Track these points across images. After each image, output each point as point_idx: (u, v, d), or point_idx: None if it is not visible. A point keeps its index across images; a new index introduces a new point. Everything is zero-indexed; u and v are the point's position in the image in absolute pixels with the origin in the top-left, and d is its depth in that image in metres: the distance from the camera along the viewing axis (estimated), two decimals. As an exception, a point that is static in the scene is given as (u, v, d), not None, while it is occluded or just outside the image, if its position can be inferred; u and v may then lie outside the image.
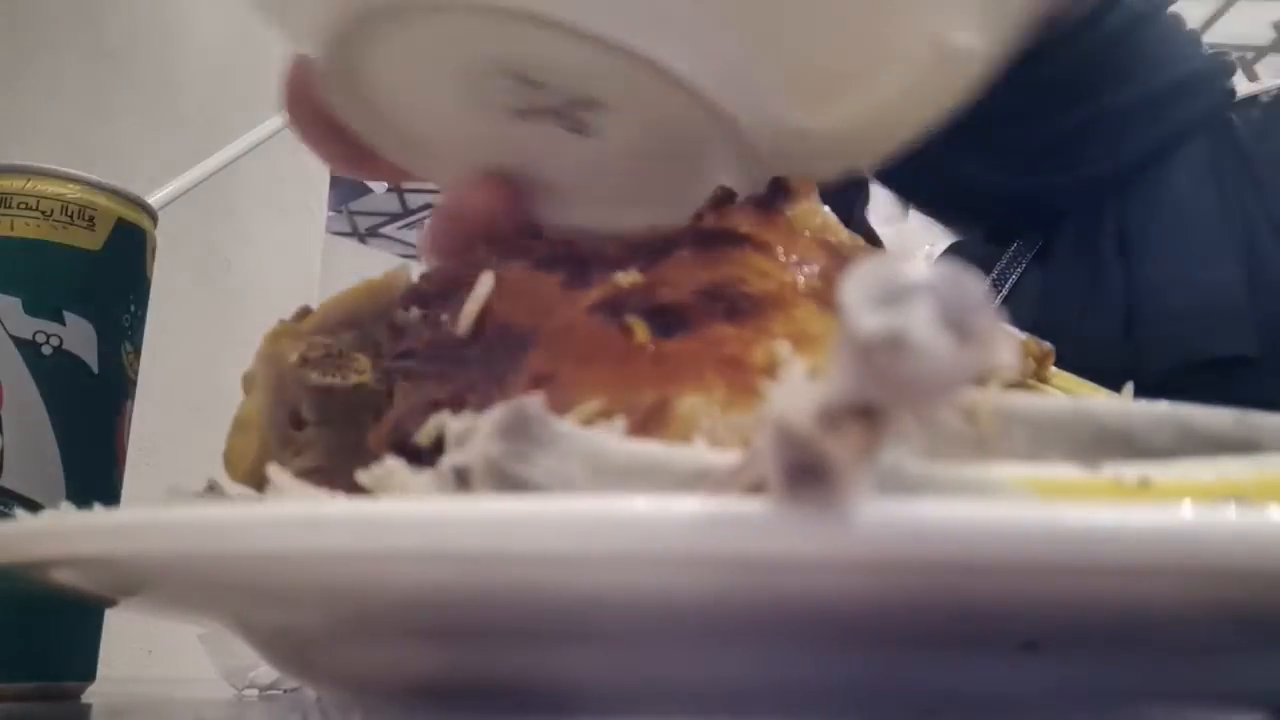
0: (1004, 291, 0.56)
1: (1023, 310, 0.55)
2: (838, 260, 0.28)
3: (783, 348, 0.24)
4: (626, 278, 0.26)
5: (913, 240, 0.62)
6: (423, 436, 0.23)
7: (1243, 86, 0.61)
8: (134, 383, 0.42)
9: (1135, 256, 0.53)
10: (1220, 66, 0.60)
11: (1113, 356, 0.49)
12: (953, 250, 0.59)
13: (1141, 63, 0.58)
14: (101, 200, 0.41)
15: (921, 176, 0.62)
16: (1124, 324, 0.52)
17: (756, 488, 0.15)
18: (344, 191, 5.03)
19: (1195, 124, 0.57)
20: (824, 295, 0.26)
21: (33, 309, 0.38)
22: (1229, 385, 0.51)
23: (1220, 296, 0.51)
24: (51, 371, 0.38)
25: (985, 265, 0.57)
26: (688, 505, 0.15)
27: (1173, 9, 0.62)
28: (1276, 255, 0.52)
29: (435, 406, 0.24)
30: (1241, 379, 0.51)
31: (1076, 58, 0.57)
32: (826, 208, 0.30)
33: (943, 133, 0.63)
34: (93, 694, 0.40)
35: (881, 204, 0.64)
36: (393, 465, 0.20)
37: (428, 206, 6.37)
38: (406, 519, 0.16)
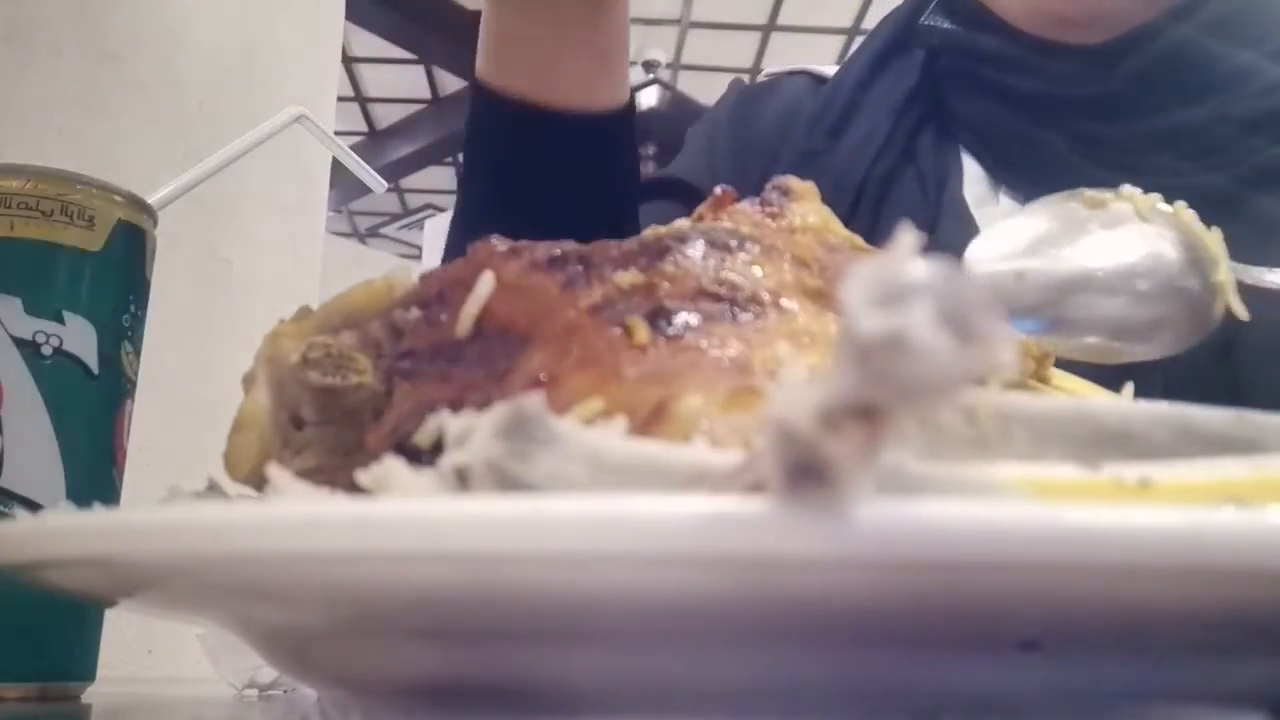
0: None
1: None
2: (837, 260, 0.28)
3: (783, 348, 0.24)
4: (626, 278, 0.26)
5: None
6: (423, 436, 0.23)
7: None
8: (134, 383, 0.42)
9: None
10: None
11: (1205, 377, 0.47)
12: None
13: (1254, 77, 0.56)
14: (101, 200, 0.41)
15: (1024, 161, 0.61)
16: (1221, 347, 0.50)
17: (756, 488, 0.15)
18: (344, 191, 5.03)
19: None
20: (824, 295, 0.26)
21: (33, 309, 0.38)
22: None
23: None
24: (51, 371, 0.38)
25: None
26: (688, 505, 0.15)
27: None
28: None
29: (435, 406, 0.24)
30: None
31: (1163, 52, 0.56)
32: (828, 209, 0.30)
33: (1050, 119, 0.61)
34: (93, 694, 0.40)
35: (975, 181, 0.62)
36: (393, 465, 0.20)
37: (428, 207, 6.38)
38: (406, 519, 0.16)
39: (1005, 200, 0.62)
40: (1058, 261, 0.40)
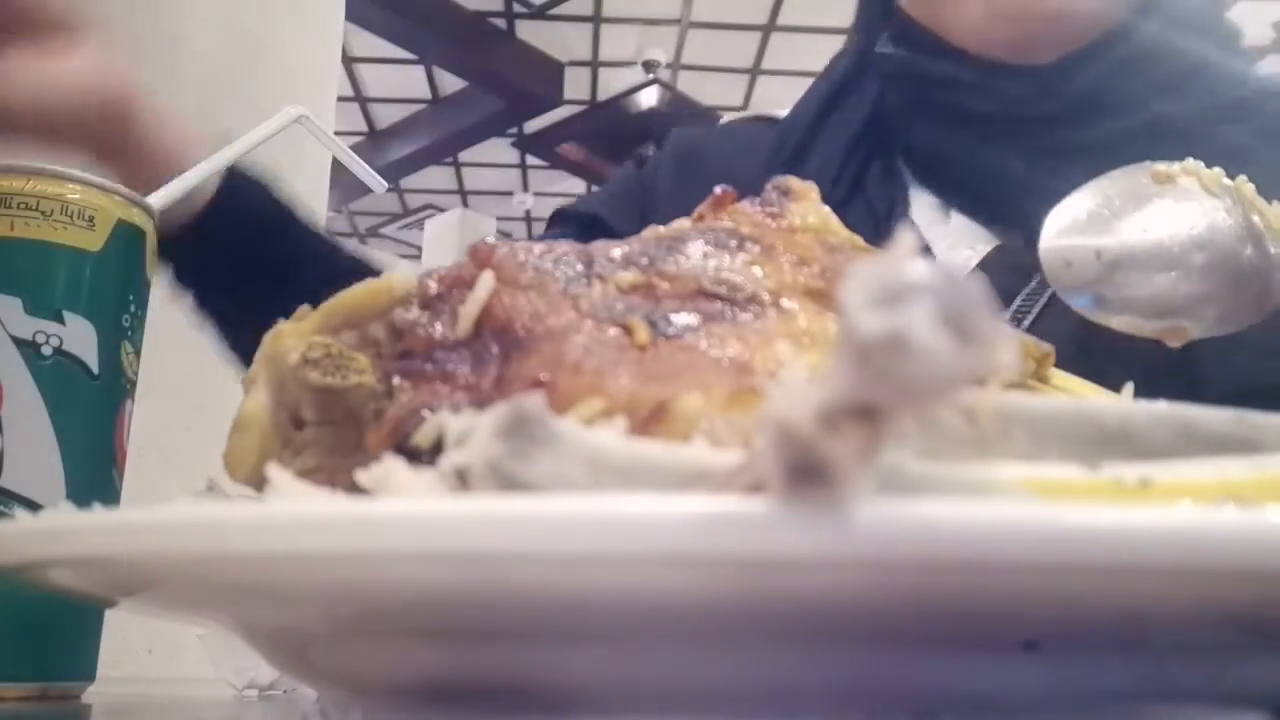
0: (1044, 300, 0.56)
1: (1068, 316, 0.54)
2: (837, 260, 0.28)
3: (783, 348, 0.24)
4: (626, 278, 0.26)
5: (956, 241, 0.62)
6: (423, 436, 0.23)
7: None
8: (134, 383, 0.42)
9: None
10: (1277, 88, 0.60)
11: (1165, 371, 0.48)
12: (996, 253, 0.59)
13: (1196, 76, 0.58)
14: (101, 200, 0.41)
15: (967, 178, 0.62)
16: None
17: (756, 488, 0.15)
18: (344, 191, 5.04)
19: (1254, 144, 0.56)
20: (824, 295, 0.26)
21: (33, 309, 0.38)
22: None
23: None
24: (51, 371, 0.38)
25: (1029, 269, 0.57)
26: (688, 505, 0.15)
27: (1232, 27, 0.62)
28: None
29: (435, 406, 0.24)
30: None
31: (1115, 63, 0.58)
32: (827, 208, 0.30)
33: (990, 134, 0.64)
34: (93, 694, 0.40)
35: (924, 206, 0.64)
36: (393, 465, 0.20)
37: (428, 207, 6.38)
38: (406, 519, 0.16)
39: (956, 218, 0.63)
40: (1135, 238, 0.39)
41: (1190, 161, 0.41)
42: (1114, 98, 0.58)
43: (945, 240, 0.62)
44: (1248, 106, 0.58)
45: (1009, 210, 0.61)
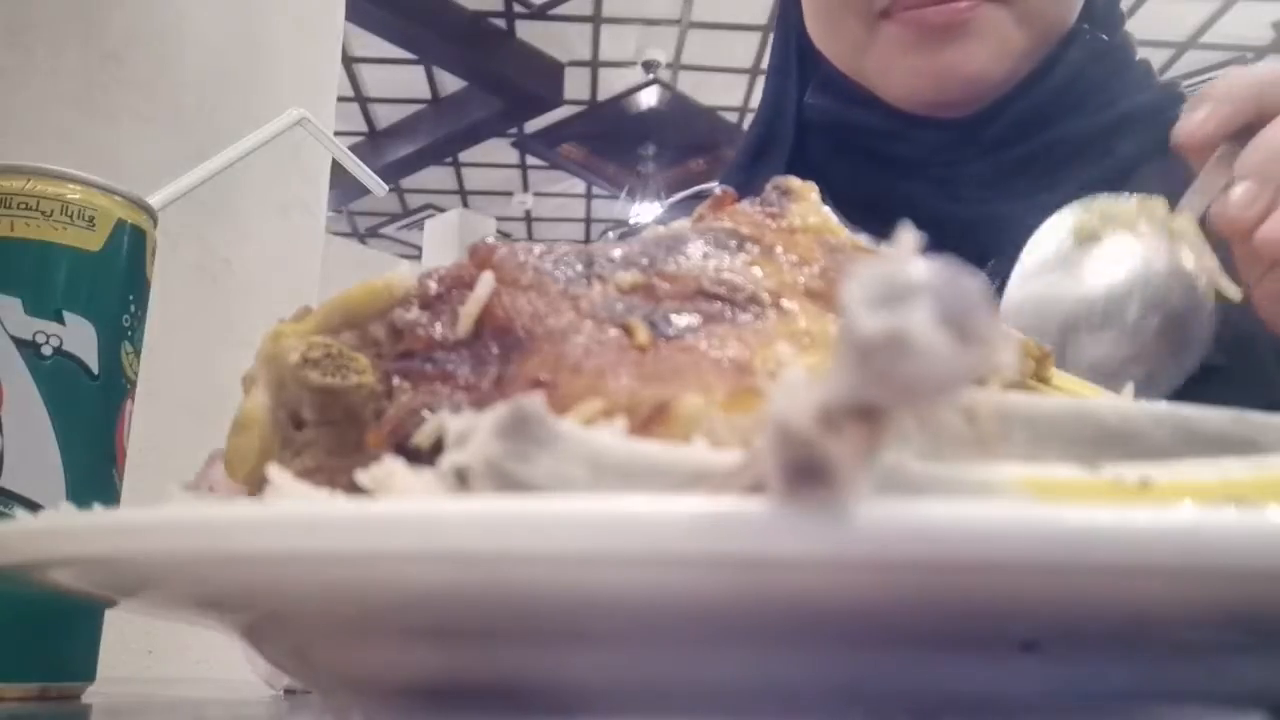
0: None
1: None
2: (838, 260, 0.28)
3: (783, 348, 0.24)
4: (626, 278, 0.26)
5: None
6: (422, 436, 0.23)
7: None
8: (134, 383, 0.42)
9: None
10: (1170, 99, 0.63)
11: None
12: None
13: (1094, 96, 0.62)
14: (101, 200, 0.41)
15: (874, 210, 0.64)
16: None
17: (756, 488, 0.15)
18: (344, 191, 5.04)
19: (1144, 156, 0.60)
20: (824, 295, 0.26)
21: (33, 309, 0.38)
22: (1197, 394, 0.51)
23: None
24: (51, 371, 0.38)
25: None
26: (688, 505, 0.15)
27: (1126, 36, 0.66)
28: None
29: (435, 406, 0.24)
30: (1208, 387, 0.52)
31: (1025, 110, 0.61)
32: (826, 208, 0.30)
33: (895, 166, 0.67)
34: (93, 694, 0.40)
35: None
36: (393, 465, 0.20)
37: (428, 207, 6.38)
38: (406, 519, 0.16)
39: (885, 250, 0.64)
40: (1087, 295, 0.40)
41: (1113, 204, 0.42)
42: (1020, 132, 0.62)
43: None
44: (1139, 118, 0.61)
45: (932, 239, 0.62)
